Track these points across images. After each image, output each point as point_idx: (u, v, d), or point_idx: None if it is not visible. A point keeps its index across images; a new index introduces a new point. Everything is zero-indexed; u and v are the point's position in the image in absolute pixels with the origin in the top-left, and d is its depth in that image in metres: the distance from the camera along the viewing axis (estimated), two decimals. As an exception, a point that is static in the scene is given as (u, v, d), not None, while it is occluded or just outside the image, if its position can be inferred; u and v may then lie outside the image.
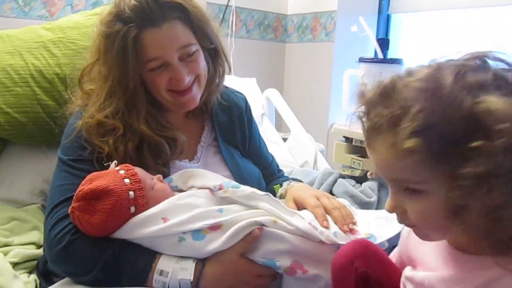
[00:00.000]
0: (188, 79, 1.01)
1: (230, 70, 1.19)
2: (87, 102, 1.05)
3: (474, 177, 0.55)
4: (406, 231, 0.80)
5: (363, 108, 0.65)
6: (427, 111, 0.56)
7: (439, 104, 0.56)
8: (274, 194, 1.14)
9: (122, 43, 0.96)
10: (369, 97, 0.63)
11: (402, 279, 0.76)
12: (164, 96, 1.03)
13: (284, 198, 1.09)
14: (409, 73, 0.62)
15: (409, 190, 0.61)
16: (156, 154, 1.02)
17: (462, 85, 0.56)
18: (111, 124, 0.99)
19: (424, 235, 0.66)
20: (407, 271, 0.75)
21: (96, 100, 1.02)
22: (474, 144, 0.54)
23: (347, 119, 0.71)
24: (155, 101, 1.05)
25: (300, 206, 1.02)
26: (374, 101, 0.62)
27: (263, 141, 1.33)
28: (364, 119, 0.65)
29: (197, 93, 1.06)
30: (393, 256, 0.87)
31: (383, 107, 0.60)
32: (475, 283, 0.61)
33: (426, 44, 2.28)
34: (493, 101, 0.55)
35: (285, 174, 1.32)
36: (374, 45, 1.48)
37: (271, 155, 1.34)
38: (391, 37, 2.46)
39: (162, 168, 1.02)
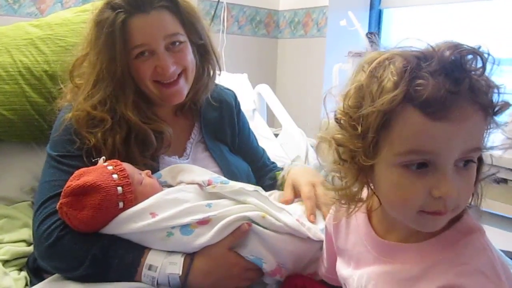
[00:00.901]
0: (173, 69, 1.02)
1: (220, 71, 1.19)
2: (76, 96, 1.05)
3: None
4: (331, 225, 0.80)
5: (399, 71, 0.57)
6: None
7: None
8: (274, 184, 1.16)
9: (111, 28, 0.97)
10: (431, 57, 0.57)
11: (341, 280, 0.77)
12: (150, 87, 1.04)
13: (283, 183, 1.10)
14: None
15: (464, 165, 0.58)
16: (143, 147, 1.02)
17: None
18: (100, 116, 0.99)
19: (444, 222, 0.61)
20: (343, 270, 0.75)
21: (84, 88, 1.03)
22: None
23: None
24: (144, 94, 1.06)
25: (296, 192, 1.04)
26: (447, 64, 0.56)
27: (253, 134, 1.33)
28: (418, 84, 0.56)
29: (183, 87, 1.06)
30: (323, 254, 0.88)
31: (472, 72, 0.56)
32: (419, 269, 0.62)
33: (417, 38, 2.28)
34: None
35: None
36: (363, 38, 1.48)
37: (262, 148, 1.34)
38: (383, 31, 2.48)
39: (150, 162, 1.02)
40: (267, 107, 1.91)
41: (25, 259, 1.08)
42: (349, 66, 1.53)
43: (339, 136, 0.63)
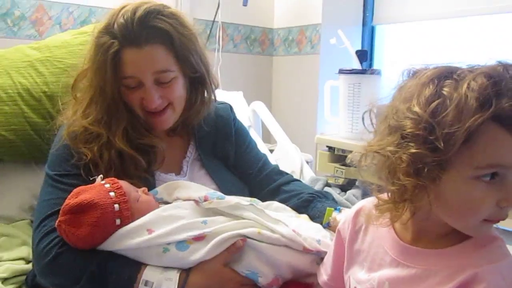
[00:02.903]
0: (158, 103, 1.04)
1: (215, 99, 1.20)
2: (75, 110, 1.08)
3: None
4: (345, 230, 0.82)
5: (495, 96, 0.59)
6: None
7: None
8: (322, 213, 1.07)
9: (104, 56, 0.99)
10: None
11: (352, 283, 0.78)
12: (139, 113, 1.07)
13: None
14: None
15: None
16: (137, 162, 1.04)
17: None
18: (96, 131, 1.02)
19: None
20: (357, 274, 0.77)
21: (79, 107, 1.06)
22: None
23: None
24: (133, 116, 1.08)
25: None
26: None
27: (254, 142, 1.32)
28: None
29: (169, 117, 1.09)
30: (327, 261, 0.89)
31: None
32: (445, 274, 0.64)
33: (410, 54, 2.32)
34: None
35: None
36: (352, 56, 1.52)
37: (264, 154, 1.32)
38: (376, 48, 2.52)
39: (145, 175, 1.04)
40: (262, 123, 1.94)
41: (24, 277, 1.09)
42: (340, 82, 1.57)
43: (412, 150, 0.63)
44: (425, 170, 0.62)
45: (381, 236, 0.74)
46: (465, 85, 0.60)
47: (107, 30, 1.01)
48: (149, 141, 1.07)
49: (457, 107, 0.59)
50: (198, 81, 1.12)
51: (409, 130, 0.63)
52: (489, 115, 0.58)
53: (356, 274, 0.77)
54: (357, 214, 0.81)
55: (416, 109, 0.63)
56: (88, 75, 1.06)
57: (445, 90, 0.61)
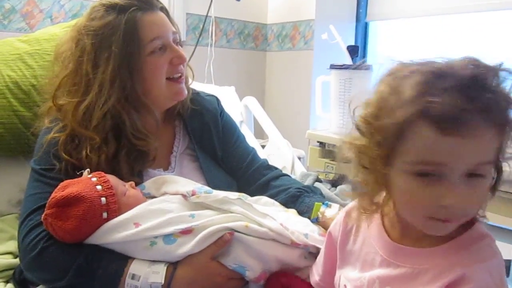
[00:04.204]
0: (185, 60, 1.10)
1: (192, 80, 1.24)
2: (57, 115, 1.06)
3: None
4: (337, 230, 0.82)
5: (418, 88, 0.60)
6: None
7: None
8: (310, 208, 1.07)
9: (128, 25, 1.02)
10: (448, 76, 0.60)
11: (343, 281, 0.78)
12: (163, 85, 1.08)
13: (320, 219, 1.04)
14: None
15: (473, 176, 0.60)
16: (134, 163, 1.03)
17: None
18: (87, 135, 1.00)
19: (452, 229, 0.64)
20: (350, 273, 0.77)
21: (72, 104, 1.02)
22: None
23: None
24: (138, 104, 1.06)
25: None
26: (464, 83, 0.58)
27: (242, 135, 1.32)
28: (432, 101, 0.58)
29: (184, 86, 1.13)
30: (318, 262, 0.89)
31: (488, 89, 0.59)
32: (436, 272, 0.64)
33: (403, 50, 2.33)
34: None
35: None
36: (344, 51, 1.52)
37: (252, 148, 1.31)
38: (369, 44, 2.52)
39: (135, 179, 1.03)
40: (254, 119, 1.94)
41: (12, 271, 1.09)
42: (332, 78, 1.57)
43: (359, 143, 0.67)
44: (374, 163, 0.65)
45: (372, 236, 0.74)
46: (405, 81, 0.61)
47: (110, 9, 1.03)
48: (146, 142, 1.05)
49: (393, 103, 0.62)
50: None
51: (358, 123, 0.67)
52: (416, 111, 0.59)
53: (348, 274, 0.77)
54: (348, 214, 0.81)
55: (368, 102, 0.66)
56: (83, 71, 1.02)
57: (389, 85, 0.64)
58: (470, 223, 0.66)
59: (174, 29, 1.10)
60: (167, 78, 1.08)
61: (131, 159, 1.03)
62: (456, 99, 0.57)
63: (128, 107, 1.03)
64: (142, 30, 1.03)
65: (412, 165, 0.61)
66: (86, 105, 1.01)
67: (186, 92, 1.13)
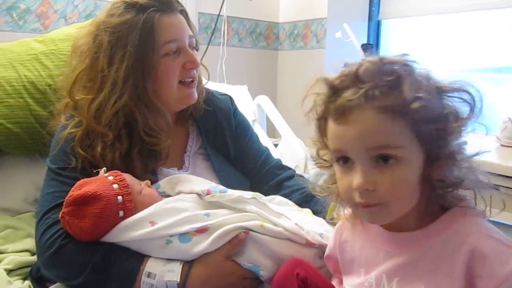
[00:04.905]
0: (198, 63, 1.10)
1: (208, 79, 1.25)
2: (73, 113, 1.07)
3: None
4: (335, 241, 0.84)
5: (326, 90, 0.69)
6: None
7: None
8: (325, 209, 1.04)
9: (145, 25, 1.02)
10: (345, 75, 0.67)
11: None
12: (174, 88, 1.08)
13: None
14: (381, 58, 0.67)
15: (383, 161, 0.64)
16: (146, 160, 1.04)
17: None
18: (100, 131, 1.01)
19: (385, 215, 0.67)
20: (356, 281, 0.77)
21: (88, 100, 1.03)
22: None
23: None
24: (150, 103, 1.07)
25: None
26: (352, 78, 0.65)
27: (256, 135, 1.32)
28: (333, 98, 0.67)
29: (196, 91, 1.13)
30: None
31: (366, 82, 0.64)
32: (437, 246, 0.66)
33: (416, 48, 2.31)
34: None
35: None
36: (358, 50, 1.51)
37: (266, 148, 1.31)
38: (382, 42, 2.51)
39: (150, 176, 1.04)
40: (267, 118, 1.93)
41: (29, 269, 1.10)
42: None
43: (315, 139, 0.75)
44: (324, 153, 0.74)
45: (371, 236, 0.75)
46: (334, 77, 0.68)
47: (131, 6, 1.04)
48: (158, 140, 1.06)
49: (323, 98, 0.69)
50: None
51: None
52: (323, 107, 0.69)
53: (354, 281, 0.77)
54: (340, 229, 0.83)
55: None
56: (98, 67, 1.03)
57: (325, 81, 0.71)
58: (451, 203, 0.68)
59: (191, 33, 1.10)
60: (179, 82, 1.08)
61: (143, 156, 1.04)
62: (346, 93, 0.65)
63: (140, 105, 1.04)
64: (159, 32, 1.04)
65: (332, 154, 0.70)
66: (99, 101, 1.02)
67: (196, 96, 1.13)
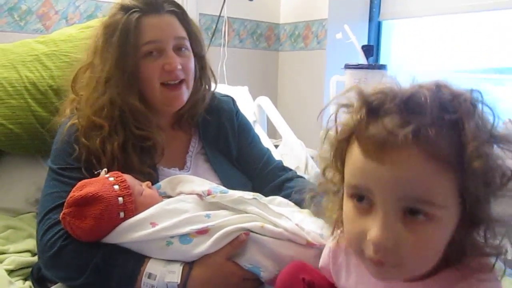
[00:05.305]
0: (179, 68, 1.07)
1: (216, 85, 1.24)
2: (77, 106, 1.09)
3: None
4: (328, 261, 0.75)
5: (357, 106, 0.55)
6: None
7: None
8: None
9: (124, 26, 1.03)
10: (385, 94, 0.54)
11: None
12: (156, 89, 1.07)
13: None
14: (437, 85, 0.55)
15: (412, 214, 0.52)
16: (141, 154, 1.05)
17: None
18: (99, 123, 1.03)
19: (396, 275, 0.56)
20: None
21: (85, 95, 1.07)
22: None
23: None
24: (145, 102, 1.09)
25: None
26: (398, 103, 0.52)
27: (258, 136, 1.33)
28: (366, 121, 0.54)
29: (184, 92, 1.11)
30: None
31: (418, 114, 0.51)
32: None
33: (416, 49, 2.31)
34: None
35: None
36: (358, 51, 1.51)
37: (268, 149, 1.32)
38: (382, 43, 2.51)
39: (149, 170, 1.04)
40: (267, 118, 1.94)
41: (30, 269, 1.11)
42: (346, 78, 1.56)
43: (325, 155, 0.63)
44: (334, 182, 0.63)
45: (366, 274, 0.63)
46: (352, 104, 0.57)
47: (121, 7, 1.06)
48: (148, 133, 1.07)
49: (354, 116, 0.57)
50: (203, 64, 1.17)
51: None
52: (348, 130, 0.56)
53: None
54: (335, 251, 0.74)
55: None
56: (94, 64, 1.07)
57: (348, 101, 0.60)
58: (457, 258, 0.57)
59: (180, 35, 1.09)
60: (162, 84, 1.08)
61: (138, 151, 1.05)
62: (386, 122, 0.51)
63: (124, 105, 1.05)
64: (138, 33, 1.04)
65: (348, 188, 0.57)
66: (94, 97, 1.05)
67: (184, 99, 1.11)
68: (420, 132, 0.50)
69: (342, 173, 0.60)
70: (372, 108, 0.53)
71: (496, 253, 0.56)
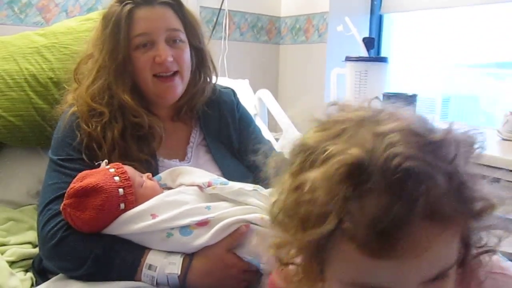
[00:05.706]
0: (170, 60, 1.06)
1: (217, 78, 1.23)
2: (78, 93, 1.09)
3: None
4: None
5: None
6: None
7: None
8: None
9: (117, 17, 1.04)
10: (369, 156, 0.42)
11: None
12: (148, 81, 1.07)
13: None
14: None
15: (433, 280, 0.44)
16: (139, 142, 1.05)
17: None
18: (99, 109, 1.04)
19: None
20: None
21: (85, 83, 1.08)
22: None
23: None
24: (140, 94, 1.10)
25: None
26: (380, 169, 0.40)
27: (258, 128, 1.33)
28: (354, 204, 0.41)
29: (178, 84, 1.10)
30: None
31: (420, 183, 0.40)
32: None
33: (418, 43, 2.31)
34: None
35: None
36: (359, 43, 1.51)
37: (269, 141, 1.34)
38: (384, 36, 2.49)
39: (147, 157, 1.04)
40: (268, 112, 1.93)
41: (31, 261, 1.11)
42: (347, 70, 1.56)
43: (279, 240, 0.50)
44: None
45: None
46: (315, 181, 0.43)
47: (117, 1, 1.06)
48: (145, 120, 1.07)
49: (303, 212, 0.45)
50: (201, 55, 1.16)
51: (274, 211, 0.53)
52: (330, 228, 0.42)
53: None
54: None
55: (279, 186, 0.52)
56: (94, 55, 1.08)
57: (294, 182, 0.49)
58: None
59: (173, 26, 1.08)
60: (154, 76, 1.08)
61: (135, 139, 1.05)
62: (385, 206, 0.39)
63: (125, 78, 1.06)
64: (129, 25, 1.05)
65: (346, 285, 0.45)
66: (95, 86, 1.06)
67: (177, 91, 1.11)
68: (435, 203, 0.40)
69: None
70: (351, 192, 0.40)
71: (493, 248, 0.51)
